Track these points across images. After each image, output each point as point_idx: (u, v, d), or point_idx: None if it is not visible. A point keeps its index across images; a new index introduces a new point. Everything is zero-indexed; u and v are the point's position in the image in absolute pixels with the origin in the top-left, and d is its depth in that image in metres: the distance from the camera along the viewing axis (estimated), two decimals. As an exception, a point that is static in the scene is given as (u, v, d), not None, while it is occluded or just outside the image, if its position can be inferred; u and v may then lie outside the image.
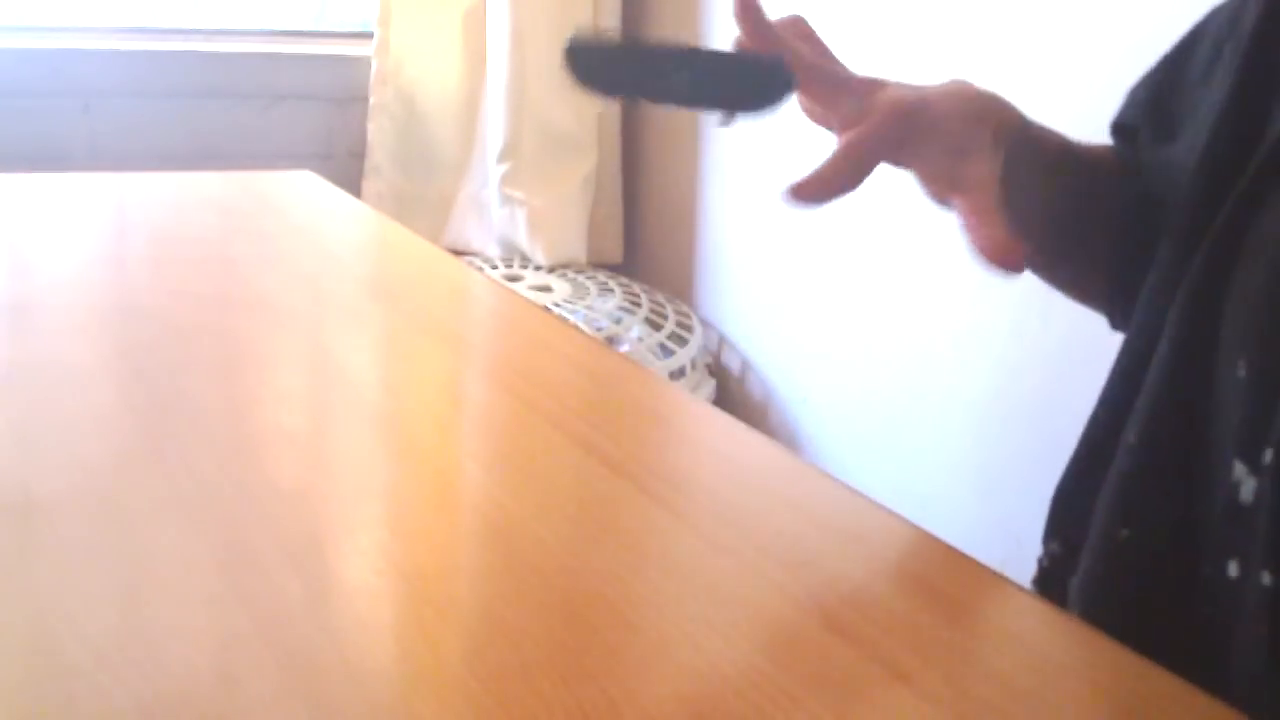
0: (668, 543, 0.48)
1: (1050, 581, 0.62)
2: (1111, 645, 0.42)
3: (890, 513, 0.52)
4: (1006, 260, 0.54)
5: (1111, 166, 0.70)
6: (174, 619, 0.40)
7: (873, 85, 0.61)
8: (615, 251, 2.40)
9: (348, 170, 2.28)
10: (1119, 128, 0.70)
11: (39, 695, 0.36)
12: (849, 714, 0.37)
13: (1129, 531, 0.56)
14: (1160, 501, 0.56)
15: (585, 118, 2.28)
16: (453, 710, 0.36)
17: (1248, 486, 0.51)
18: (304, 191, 1.21)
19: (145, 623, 0.40)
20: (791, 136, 1.97)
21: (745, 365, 2.15)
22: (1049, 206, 0.67)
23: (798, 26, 0.65)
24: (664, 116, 2.34)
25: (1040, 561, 0.64)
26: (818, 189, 0.59)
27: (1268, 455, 0.49)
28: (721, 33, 2.13)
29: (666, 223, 2.36)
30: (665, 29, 2.30)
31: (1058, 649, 0.43)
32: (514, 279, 2.20)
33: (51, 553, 0.44)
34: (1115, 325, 0.69)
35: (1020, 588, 0.47)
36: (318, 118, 2.29)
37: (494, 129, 2.25)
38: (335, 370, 0.69)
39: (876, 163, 0.58)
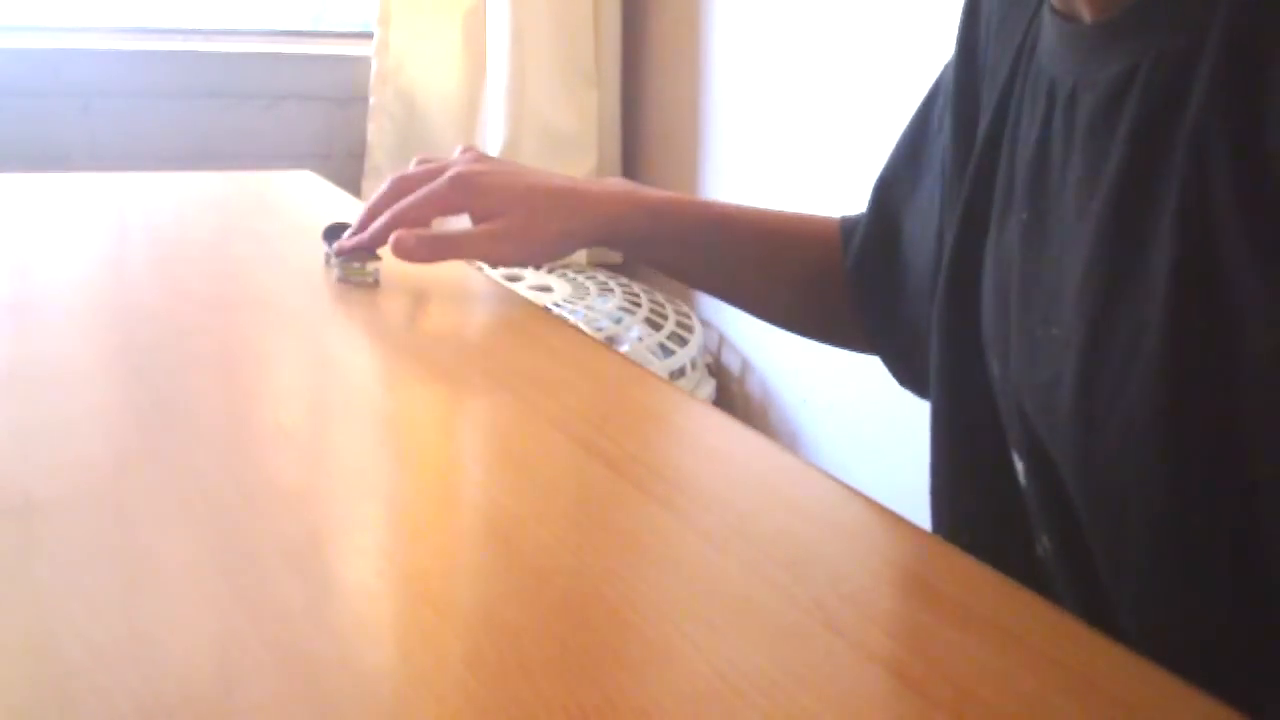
0: (668, 543, 0.48)
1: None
2: (1112, 645, 0.42)
3: (890, 513, 0.51)
4: (400, 250, 0.78)
5: (826, 236, 0.87)
6: (174, 619, 0.40)
7: (453, 164, 0.83)
8: (615, 251, 2.40)
9: (348, 170, 2.28)
10: (882, 187, 0.84)
11: (39, 695, 0.36)
12: (849, 714, 0.37)
13: (969, 538, 0.64)
14: (962, 502, 0.67)
15: (585, 118, 2.29)
16: (453, 710, 0.36)
17: (1020, 470, 0.59)
18: (304, 191, 1.21)
19: (145, 623, 0.40)
20: (791, 137, 1.97)
21: (745, 365, 2.15)
22: (705, 270, 0.89)
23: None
24: (664, 116, 2.34)
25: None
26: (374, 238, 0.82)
27: (1026, 439, 0.58)
28: (720, 33, 2.13)
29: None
30: (665, 29, 2.30)
31: (1058, 649, 0.43)
32: (514, 279, 2.20)
33: (51, 553, 0.44)
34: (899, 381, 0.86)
35: (1020, 588, 0.47)
36: (318, 118, 2.29)
37: (494, 129, 2.25)
38: (335, 370, 0.69)
39: (416, 222, 0.80)
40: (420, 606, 0.42)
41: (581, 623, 0.41)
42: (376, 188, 2.58)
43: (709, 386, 2.10)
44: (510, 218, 0.79)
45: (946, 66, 0.76)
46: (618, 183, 0.85)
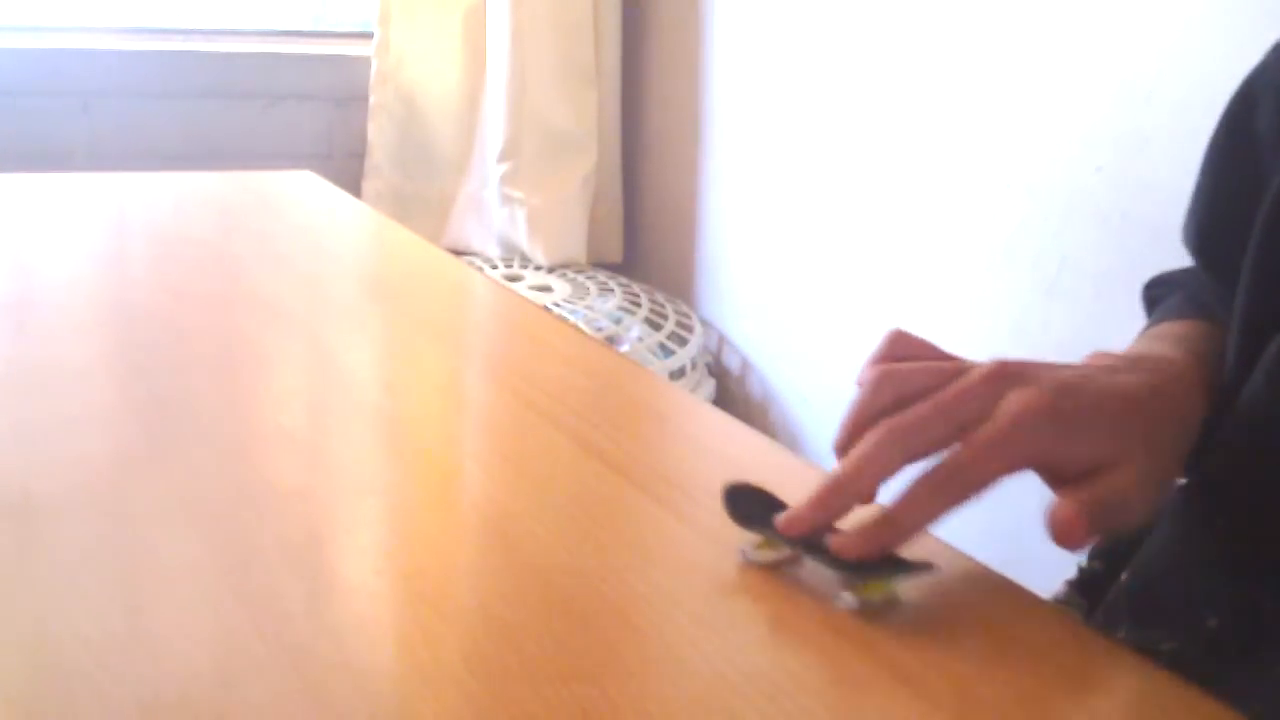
0: (668, 543, 0.48)
1: (1086, 589, 0.62)
2: (1112, 645, 0.42)
3: (890, 513, 0.51)
4: (1069, 541, 0.46)
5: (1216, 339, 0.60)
6: (174, 619, 0.40)
7: (997, 380, 0.48)
8: (615, 251, 2.40)
9: (348, 170, 2.28)
10: (1197, 253, 0.62)
11: (39, 695, 0.36)
12: (849, 714, 0.37)
13: (1218, 621, 0.50)
14: (1258, 590, 0.49)
15: (585, 118, 2.28)
16: (453, 710, 0.36)
17: None
18: (304, 191, 1.21)
19: (145, 623, 0.40)
20: (791, 137, 1.97)
21: (745, 365, 2.15)
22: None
23: (900, 346, 0.53)
24: (664, 116, 2.34)
25: (1079, 567, 0.63)
26: (902, 533, 0.46)
27: None
28: (720, 33, 2.13)
29: (666, 223, 2.36)
30: (665, 29, 2.30)
31: (1058, 649, 0.43)
32: (514, 279, 2.20)
33: (51, 553, 0.44)
34: None
35: (1021, 588, 0.47)
36: (318, 118, 2.29)
37: (494, 129, 2.25)
38: (335, 370, 0.69)
39: (985, 488, 0.46)
40: (420, 606, 0.42)
41: (581, 623, 0.41)
42: (377, 188, 2.53)
43: (709, 386, 2.10)
44: (1126, 467, 0.48)
45: (1249, 78, 0.59)
46: (1163, 388, 0.53)
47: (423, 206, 2.33)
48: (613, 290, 2.17)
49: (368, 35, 2.28)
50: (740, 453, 0.58)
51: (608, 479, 0.54)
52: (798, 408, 2.02)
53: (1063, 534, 0.45)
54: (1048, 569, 0.63)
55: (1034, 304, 1.49)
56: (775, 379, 2.08)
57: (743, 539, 0.47)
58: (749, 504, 0.48)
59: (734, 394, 2.17)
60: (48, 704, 0.36)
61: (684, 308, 2.19)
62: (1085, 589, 0.62)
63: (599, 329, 2.01)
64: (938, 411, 0.47)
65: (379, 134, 2.28)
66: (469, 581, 0.45)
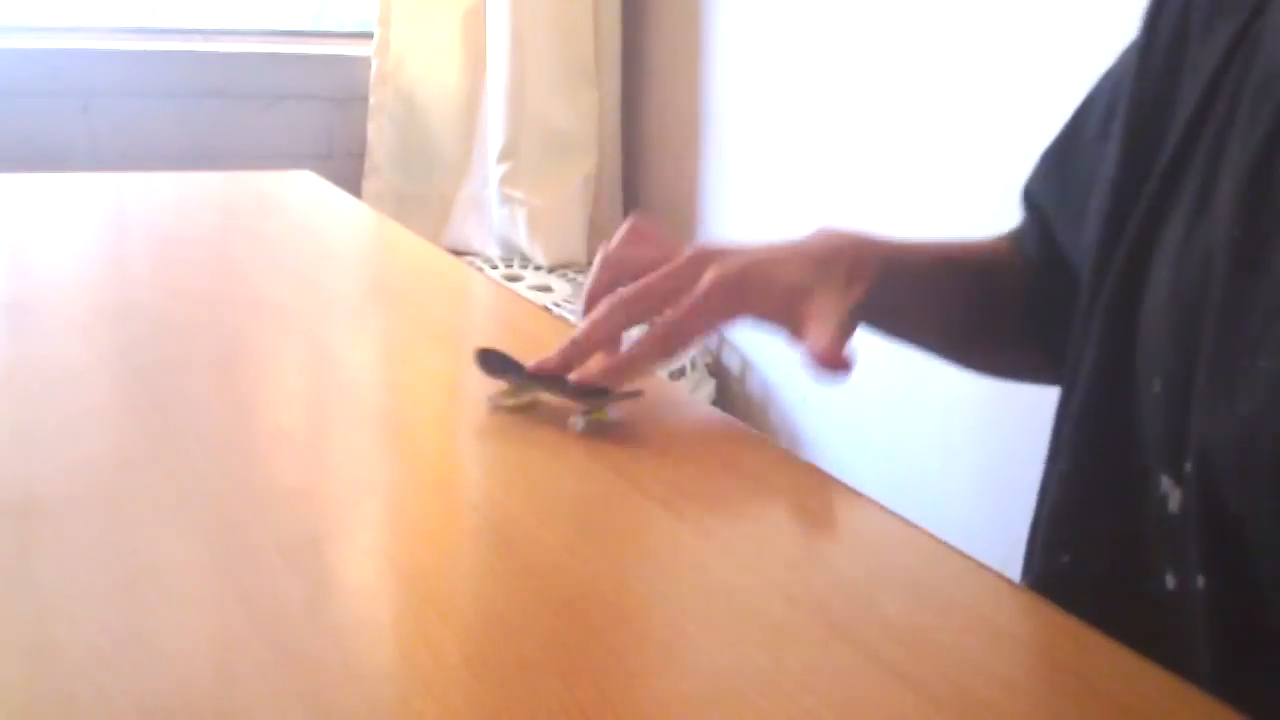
0: (668, 543, 0.48)
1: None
2: (1111, 645, 0.42)
3: (890, 513, 0.52)
4: (832, 367, 0.60)
5: (1007, 259, 0.76)
6: (174, 619, 0.40)
7: (697, 261, 0.63)
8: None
9: (348, 170, 2.28)
10: (1029, 192, 0.75)
11: (39, 695, 0.36)
12: (849, 714, 0.37)
13: (1069, 557, 0.58)
14: (1095, 523, 0.59)
15: (585, 118, 2.29)
16: (453, 710, 0.36)
17: (1174, 498, 0.53)
18: (304, 191, 1.21)
19: (145, 623, 0.40)
20: (791, 137, 1.97)
21: (745, 365, 2.15)
22: (931, 317, 0.74)
23: (634, 234, 0.68)
24: (664, 116, 2.34)
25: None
26: (626, 371, 0.62)
27: (1188, 466, 0.51)
28: (720, 33, 2.13)
29: (666, 223, 2.36)
30: (665, 29, 2.30)
31: (1058, 649, 0.43)
32: (514, 279, 2.20)
33: (51, 553, 0.44)
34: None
35: (1020, 588, 0.47)
36: (318, 118, 2.29)
37: (494, 129, 2.25)
38: (335, 370, 0.69)
39: (690, 340, 0.63)
40: (420, 606, 0.42)
41: (581, 623, 0.41)
42: (377, 188, 2.53)
43: (709, 386, 2.10)
44: (824, 294, 0.64)
45: (1107, 73, 0.70)
46: (844, 240, 0.69)
47: (423, 206, 2.33)
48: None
49: (368, 35, 2.28)
50: (740, 453, 0.58)
51: (608, 480, 0.54)
52: (798, 408, 2.02)
53: (825, 358, 0.60)
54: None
55: (1034, 304, 1.49)
56: (775, 379, 2.08)
57: (492, 391, 0.60)
58: (496, 362, 0.61)
59: (734, 394, 2.17)
60: (48, 704, 0.36)
61: (684, 308, 2.19)
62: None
63: (599, 329, 2.01)
64: (651, 287, 0.63)
65: (379, 134, 2.28)
66: (469, 581, 0.45)
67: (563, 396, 0.59)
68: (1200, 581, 0.51)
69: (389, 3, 2.24)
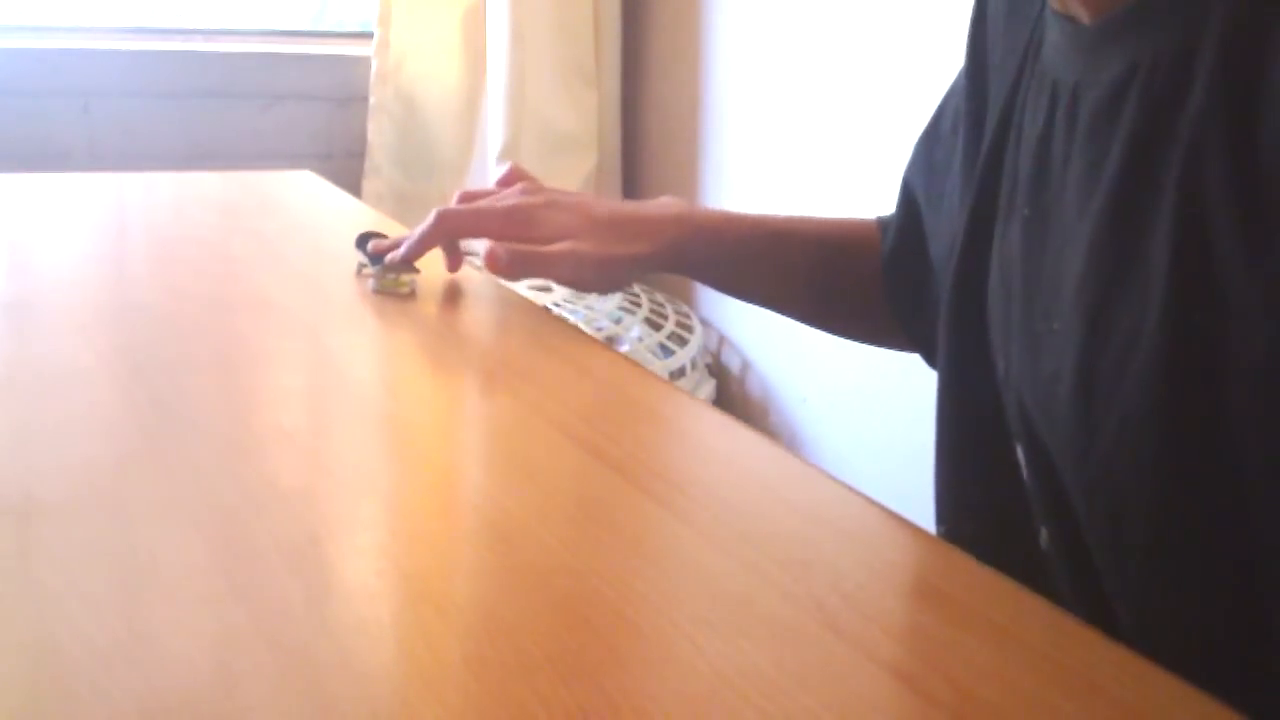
0: (668, 543, 0.48)
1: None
2: (1111, 645, 0.42)
3: (890, 513, 0.51)
4: (493, 263, 0.77)
5: (866, 239, 0.88)
6: (174, 619, 0.40)
7: (526, 191, 0.83)
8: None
9: (348, 170, 2.28)
10: (905, 179, 0.84)
11: (39, 695, 0.36)
12: (849, 714, 0.37)
13: (944, 527, 0.66)
14: (966, 493, 0.67)
15: (585, 118, 2.29)
16: (453, 710, 0.36)
17: (1022, 463, 0.59)
18: (304, 191, 1.21)
19: (145, 623, 0.40)
20: (791, 136, 1.97)
21: (745, 365, 2.15)
22: (762, 281, 0.88)
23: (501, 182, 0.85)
24: (664, 116, 2.34)
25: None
26: (414, 247, 0.80)
27: (1027, 434, 0.58)
28: (720, 33, 2.13)
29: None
30: (665, 29, 2.30)
31: (1058, 649, 0.43)
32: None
33: (51, 553, 0.44)
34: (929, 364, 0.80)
35: (1020, 587, 0.47)
36: (318, 118, 2.29)
37: (494, 129, 2.25)
38: (335, 370, 0.69)
39: (459, 232, 0.82)
40: (420, 606, 0.42)
41: (581, 623, 0.41)
42: (377, 188, 2.55)
43: (709, 386, 2.10)
44: (582, 242, 0.78)
45: (962, 69, 0.76)
46: (671, 203, 0.84)
47: (423, 206, 2.32)
48: (613, 290, 2.17)
49: (368, 35, 2.28)
50: (740, 453, 0.58)
51: (608, 479, 0.54)
52: (798, 408, 2.02)
53: (489, 260, 0.76)
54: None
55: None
56: (775, 379, 2.07)
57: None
58: (368, 245, 0.84)
59: (734, 394, 2.17)
60: (48, 704, 0.36)
61: (684, 308, 2.19)
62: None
63: (599, 329, 2.01)
64: (468, 207, 0.82)
65: (379, 134, 2.28)
66: (469, 581, 0.45)
67: (372, 264, 0.82)
68: (1044, 536, 0.58)
69: (389, 3, 2.24)
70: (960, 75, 0.76)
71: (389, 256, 0.81)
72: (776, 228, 0.87)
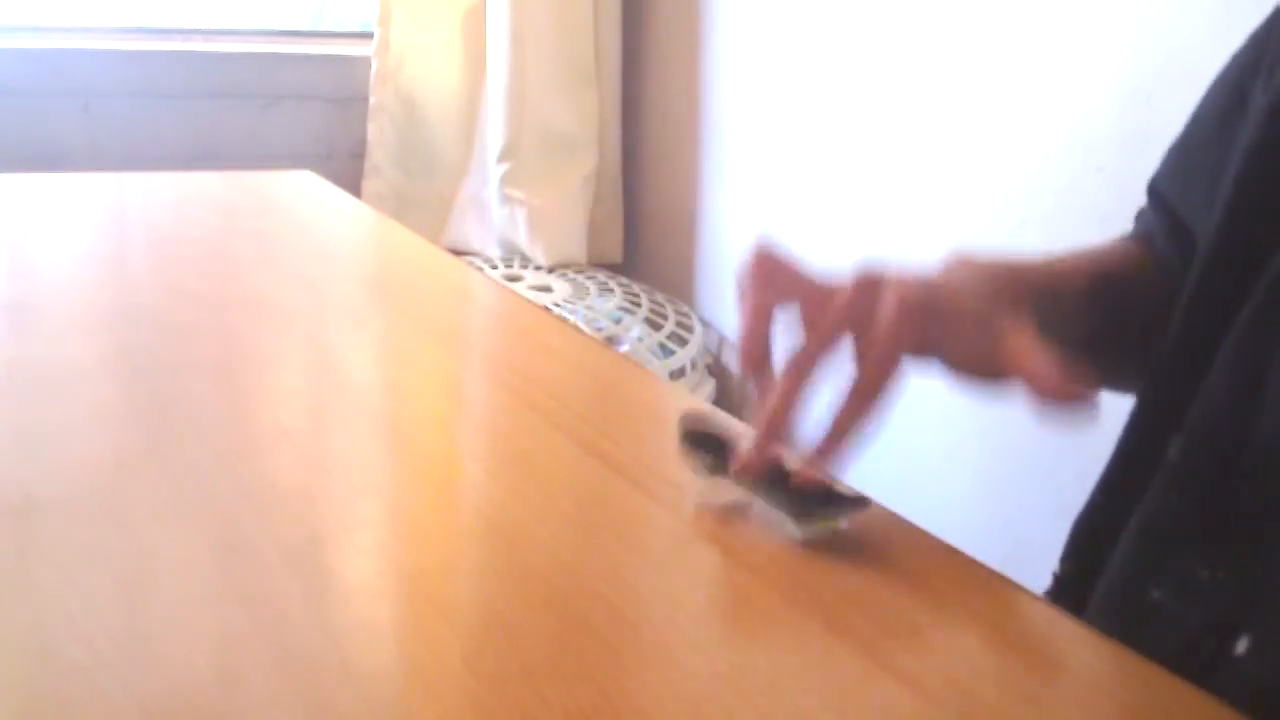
0: (668, 543, 0.48)
1: (1061, 596, 0.62)
2: (1111, 645, 0.42)
3: (891, 513, 0.52)
4: (1075, 401, 0.48)
5: (1134, 265, 0.68)
6: (174, 619, 0.40)
7: (869, 288, 0.53)
8: (615, 251, 2.40)
9: (348, 170, 2.28)
10: (1154, 189, 0.70)
11: (39, 695, 0.36)
12: (849, 714, 0.37)
13: (1160, 593, 0.53)
14: (1198, 564, 0.52)
15: (585, 118, 2.28)
16: (453, 710, 0.36)
17: None
18: (304, 191, 1.21)
19: (145, 623, 0.40)
20: (791, 137, 1.97)
21: (745, 365, 2.14)
22: (1082, 338, 0.61)
23: (766, 265, 0.57)
24: (664, 116, 2.34)
25: (1054, 575, 0.63)
26: (838, 449, 0.51)
27: None
28: (720, 33, 2.13)
29: (666, 223, 2.36)
30: (665, 29, 2.30)
31: (1058, 649, 0.43)
32: (514, 279, 2.20)
33: (51, 553, 0.44)
34: None
35: (1020, 588, 0.47)
36: (318, 118, 2.29)
37: (494, 129, 2.25)
38: (335, 370, 0.69)
39: (891, 384, 0.51)
40: (420, 606, 0.42)
41: (581, 623, 0.41)
42: (377, 188, 2.53)
43: (709, 386, 2.10)
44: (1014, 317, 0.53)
45: (1232, 59, 0.65)
46: (995, 267, 0.59)
47: (423, 206, 2.33)
48: (613, 290, 2.17)
49: (368, 35, 2.28)
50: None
51: (608, 479, 0.54)
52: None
53: (1061, 390, 0.48)
54: (1045, 569, 0.63)
55: (1034, 304, 1.49)
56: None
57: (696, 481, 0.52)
58: (701, 442, 0.53)
59: (734, 394, 2.17)
60: (48, 704, 0.36)
61: (684, 308, 2.19)
62: (1062, 595, 0.62)
63: (599, 329, 2.01)
64: (824, 336, 0.52)
65: (379, 134, 2.28)
66: (469, 581, 0.45)
67: (777, 505, 0.49)
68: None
69: (389, 3, 2.24)
70: (1239, 59, 0.65)
71: (806, 478, 0.50)
72: (1091, 273, 0.66)
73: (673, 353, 2.02)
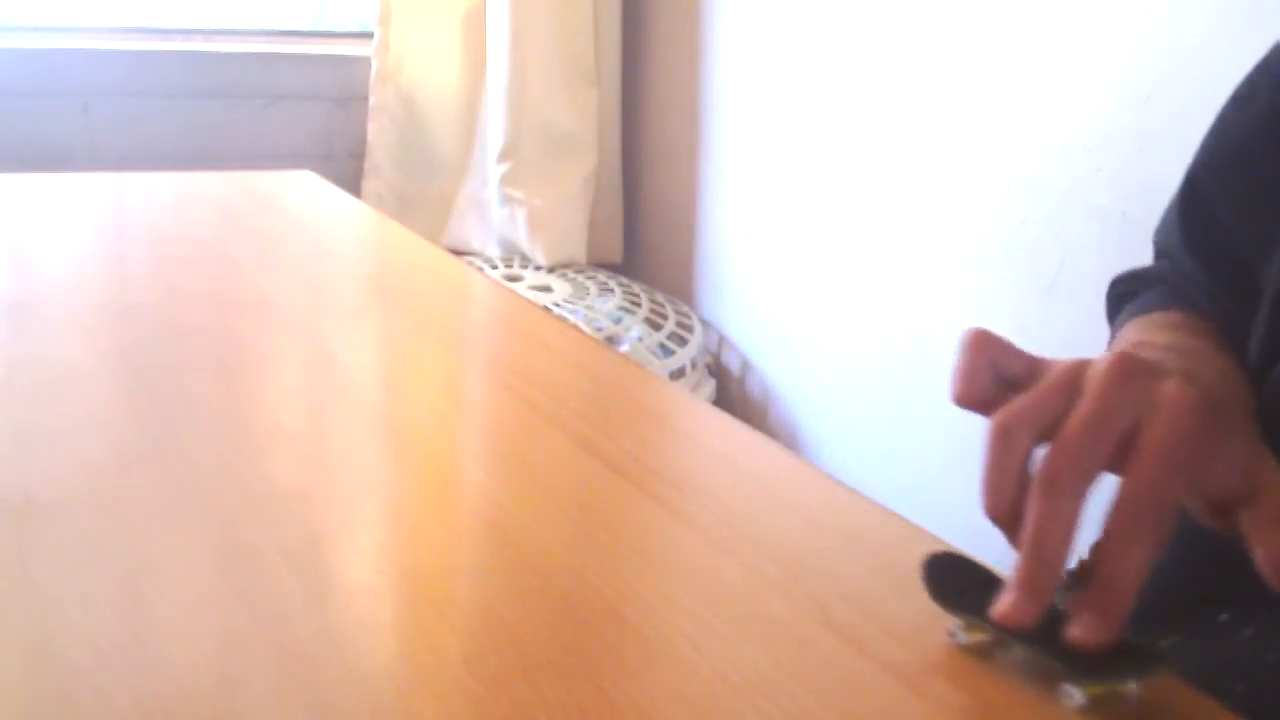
0: (668, 543, 0.48)
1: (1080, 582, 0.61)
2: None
3: (890, 513, 0.52)
4: None
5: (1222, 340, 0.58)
6: (174, 619, 0.40)
7: (1136, 381, 0.41)
8: (615, 251, 2.41)
9: (348, 170, 2.28)
10: (1175, 250, 0.63)
11: (39, 695, 0.36)
12: (849, 714, 0.37)
13: (1228, 615, 0.49)
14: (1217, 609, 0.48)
15: (585, 118, 2.28)
16: (453, 710, 0.36)
17: None
18: (304, 191, 1.21)
19: (145, 623, 0.40)
20: (791, 137, 1.97)
21: (745, 365, 2.15)
22: None
23: (986, 349, 0.48)
24: (664, 116, 2.34)
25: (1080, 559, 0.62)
26: (1124, 609, 0.39)
27: None
28: (720, 33, 2.13)
29: (666, 223, 2.36)
30: (665, 29, 2.30)
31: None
32: (514, 279, 2.20)
33: (51, 553, 0.44)
34: None
35: (1020, 588, 0.46)
36: (318, 118, 2.29)
37: (494, 129, 2.25)
38: (335, 370, 0.69)
39: (1174, 506, 0.39)
40: (420, 606, 0.42)
41: (581, 623, 0.41)
42: (377, 188, 2.53)
43: (709, 386, 2.10)
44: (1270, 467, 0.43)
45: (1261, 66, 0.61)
46: (1234, 381, 0.51)
47: (423, 206, 2.33)
48: (613, 290, 2.17)
49: (368, 35, 2.28)
50: (740, 453, 0.58)
51: (608, 479, 0.54)
52: (798, 408, 2.02)
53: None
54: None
55: (1034, 304, 1.49)
56: (775, 379, 2.07)
57: (948, 615, 0.43)
58: (952, 579, 0.44)
59: (734, 394, 2.17)
60: (48, 704, 0.36)
61: (684, 308, 2.19)
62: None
63: (599, 329, 2.01)
64: (1090, 440, 0.40)
65: (379, 134, 2.28)
66: (469, 581, 0.45)
67: (1052, 659, 0.40)
68: None
69: (389, 3, 2.24)
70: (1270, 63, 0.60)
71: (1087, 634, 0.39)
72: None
73: (673, 353, 2.02)
